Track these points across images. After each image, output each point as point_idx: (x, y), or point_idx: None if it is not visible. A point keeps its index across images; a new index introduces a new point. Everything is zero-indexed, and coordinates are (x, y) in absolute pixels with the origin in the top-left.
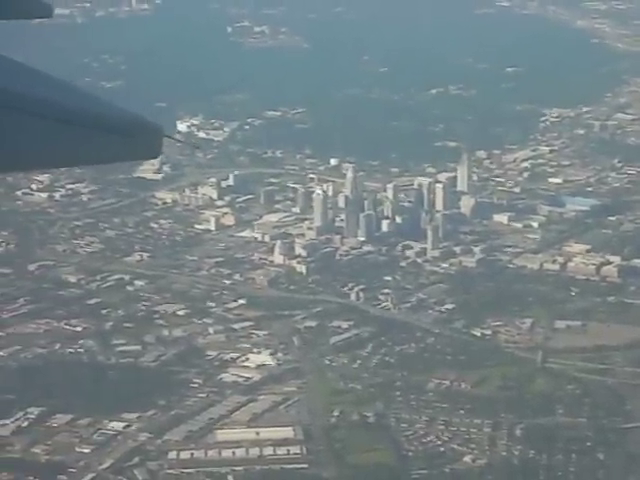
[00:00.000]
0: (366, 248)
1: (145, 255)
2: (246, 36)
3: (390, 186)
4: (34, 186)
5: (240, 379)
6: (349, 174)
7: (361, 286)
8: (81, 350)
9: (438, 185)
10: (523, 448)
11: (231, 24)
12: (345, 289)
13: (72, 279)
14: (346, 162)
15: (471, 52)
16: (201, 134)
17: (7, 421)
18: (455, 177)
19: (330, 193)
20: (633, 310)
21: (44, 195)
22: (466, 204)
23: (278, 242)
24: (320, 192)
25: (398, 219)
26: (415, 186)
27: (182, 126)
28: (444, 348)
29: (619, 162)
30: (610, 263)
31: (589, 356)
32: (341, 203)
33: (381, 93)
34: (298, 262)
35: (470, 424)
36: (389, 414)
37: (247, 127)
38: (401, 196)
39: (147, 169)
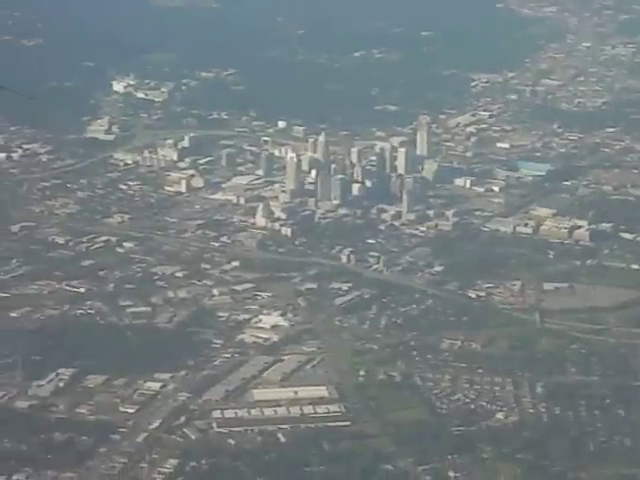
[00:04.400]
0: (342, 211)
1: (125, 217)
2: None
3: (355, 150)
4: None
5: (259, 340)
6: (320, 138)
7: (349, 249)
8: (91, 311)
9: (400, 150)
10: (548, 405)
11: None
12: (334, 251)
13: (60, 240)
14: (294, 125)
15: (381, 15)
16: (139, 94)
17: (42, 382)
18: (408, 141)
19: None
20: (612, 272)
21: (2, 155)
22: (428, 168)
23: (260, 205)
24: (293, 156)
25: (368, 183)
26: (377, 150)
27: (118, 86)
28: (445, 309)
29: (559, 128)
30: (580, 227)
31: (584, 317)
32: (305, 166)
33: (306, 55)
34: (281, 225)
35: (492, 382)
36: (413, 373)
37: (184, 88)
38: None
39: (97, 129)
